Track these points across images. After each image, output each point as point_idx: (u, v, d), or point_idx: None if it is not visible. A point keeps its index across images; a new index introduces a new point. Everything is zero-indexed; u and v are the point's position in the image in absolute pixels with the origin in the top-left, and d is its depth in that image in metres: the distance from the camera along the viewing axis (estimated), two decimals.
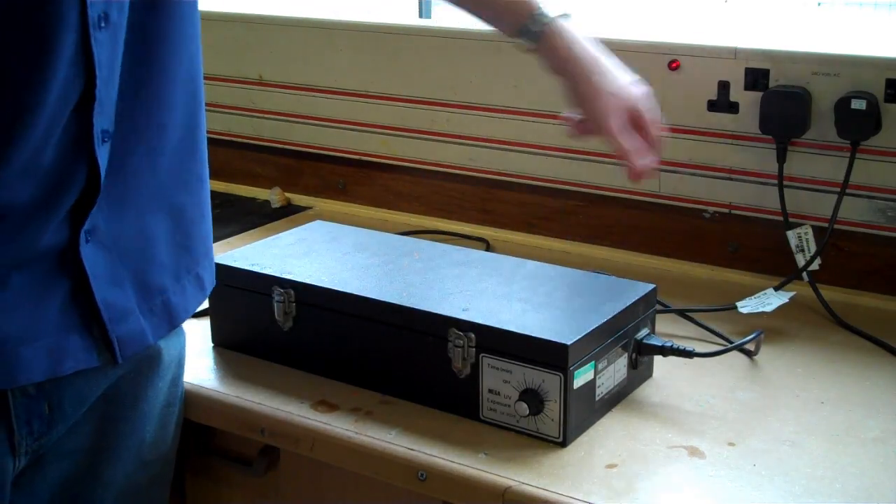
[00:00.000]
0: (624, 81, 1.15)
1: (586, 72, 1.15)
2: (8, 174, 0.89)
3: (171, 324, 1.08)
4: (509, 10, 1.18)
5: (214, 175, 1.96)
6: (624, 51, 1.47)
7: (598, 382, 1.07)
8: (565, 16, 1.18)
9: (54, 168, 0.92)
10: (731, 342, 1.24)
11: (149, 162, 1.02)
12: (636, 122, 1.14)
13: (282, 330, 1.19)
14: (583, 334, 1.03)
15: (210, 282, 1.13)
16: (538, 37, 1.16)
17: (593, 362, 1.05)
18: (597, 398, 1.07)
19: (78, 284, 0.97)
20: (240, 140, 1.88)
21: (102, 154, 0.95)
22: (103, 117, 0.94)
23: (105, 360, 1.00)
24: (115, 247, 0.99)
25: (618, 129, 1.13)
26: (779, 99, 1.36)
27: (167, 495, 1.18)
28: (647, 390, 1.15)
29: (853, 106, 1.31)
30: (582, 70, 1.15)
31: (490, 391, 1.06)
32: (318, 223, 1.38)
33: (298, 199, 1.83)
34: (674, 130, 1.47)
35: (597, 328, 1.05)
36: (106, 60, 0.92)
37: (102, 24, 0.91)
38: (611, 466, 1.00)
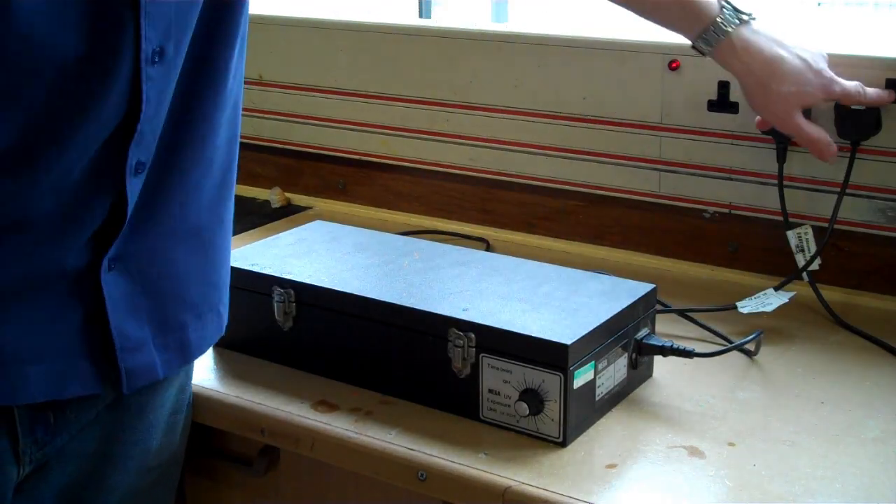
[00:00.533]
0: (801, 75, 1.18)
1: (763, 81, 1.18)
2: (34, 192, 0.88)
3: (185, 360, 1.07)
4: (687, 15, 1.17)
5: None
6: (624, 51, 1.49)
7: (598, 382, 1.07)
8: (747, 21, 1.18)
9: (81, 192, 0.90)
10: (731, 342, 1.24)
11: (189, 197, 1.00)
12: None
13: (282, 330, 1.19)
14: (583, 334, 1.03)
15: (226, 315, 1.12)
16: (713, 46, 1.18)
17: (593, 362, 1.05)
18: (597, 398, 1.07)
19: (94, 310, 0.95)
20: (240, 140, 1.88)
21: (134, 185, 0.93)
22: (141, 148, 0.92)
23: (109, 390, 0.99)
24: (140, 277, 0.98)
25: (798, 127, 1.19)
26: None
27: (172, 497, 1.17)
28: (647, 390, 1.15)
29: (853, 106, 1.31)
30: (758, 80, 1.18)
31: (490, 391, 1.06)
32: (318, 223, 1.38)
33: (298, 199, 1.83)
34: (674, 130, 1.47)
35: (597, 328, 1.05)
36: (154, 96, 0.90)
37: (156, 60, 0.88)
38: (611, 466, 1.00)
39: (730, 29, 1.18)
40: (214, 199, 1.04)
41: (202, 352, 1.09)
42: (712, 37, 1.18)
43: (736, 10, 1.20)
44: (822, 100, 1.22)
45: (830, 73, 1.22)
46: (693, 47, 1.22)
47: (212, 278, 1.07)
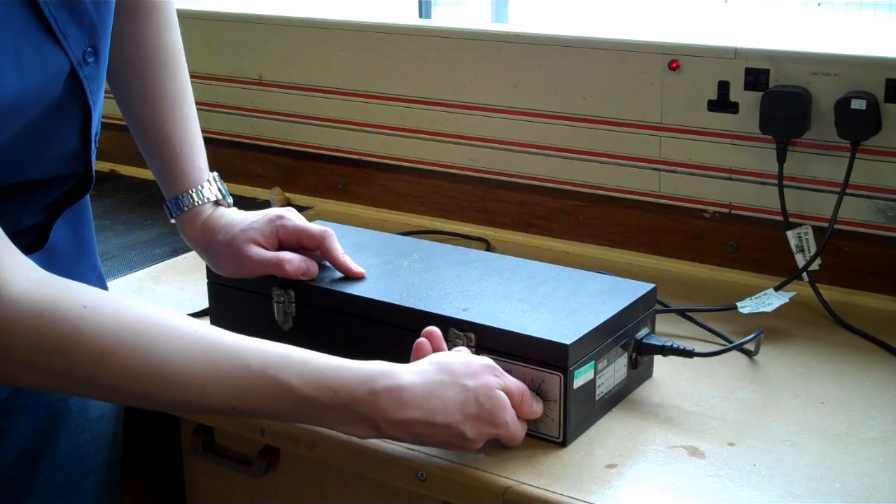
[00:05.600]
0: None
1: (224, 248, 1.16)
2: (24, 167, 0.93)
3: None
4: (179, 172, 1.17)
5: None
6: (624, 51, 1.49)
7: (598, 382, 1.07)
8: (226, 205, 1.19)
9: (56, 168, 0.95)
10: (731, 342, 1.24)
11: None
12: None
13: (282, 330, 1.19)
14: (583, 334, 1.03)
15: None
16: (183, 211, 1.17)
17: (593, 362, 1.05)
18: (597, 398, 1.07)
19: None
20: (240, 140, 1.88)
21: (96, 153, 0.98)
22: (97, 122, 0.97)
23: None
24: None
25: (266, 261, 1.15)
26: (779, 99, 1.36)
27: (118, 467, 1.19)
28: (647, 390, 1.15)
29: (853, 106, 1.31)
30: (218, 249, 1.17)
31: None
32: (318, 223, 1.38)
33: (298, 199, 1.83)
34: (674, 130, 1.47)
35: (597, 328, 1.05)
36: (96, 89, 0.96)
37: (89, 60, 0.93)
38: (611, 466, 1.00)
39: (204, 201, 1.17)
40: None
41: None
42: (189, 201, 1.17)
43: (221, 189, 1.19)
44: (272, 231, 1.16)
45: (292, 222, 1.18)
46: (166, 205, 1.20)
47: None
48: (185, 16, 1.88)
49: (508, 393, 0.97)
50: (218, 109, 1.89)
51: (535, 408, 1.01)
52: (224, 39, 1.85)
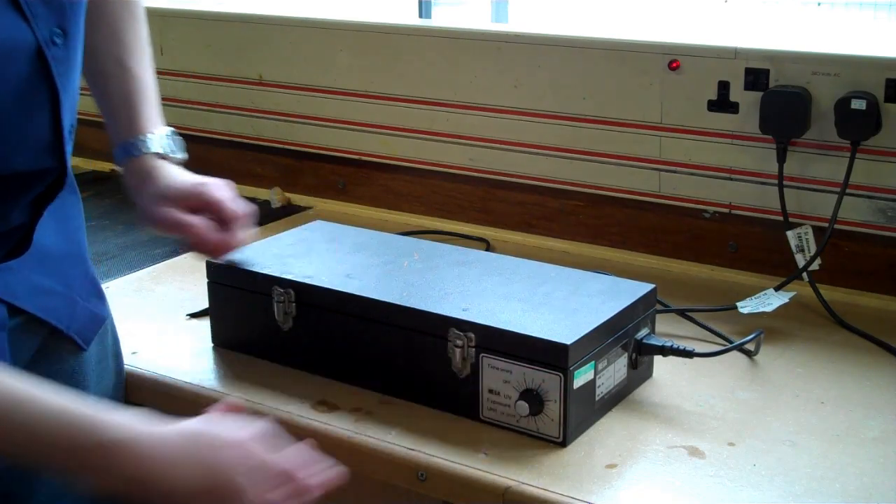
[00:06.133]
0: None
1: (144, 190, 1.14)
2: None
3: None
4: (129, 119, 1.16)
5: (214, 175, 1.96)
6: (624, 51, 1.49)
7: (598, 382, 1.07)
8: (176, 159, 1.17)
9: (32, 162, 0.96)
10: (731, 342, 1.24)
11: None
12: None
13: (282, 330, 1.19)
14: (583, 334, 1.03)
15: None
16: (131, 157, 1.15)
17: (593, 362, 1.05)
18: (597, 398, 1.07)
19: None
20: (240, 140, 1.88)
21: (69, 147, 0.98)
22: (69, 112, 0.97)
23: None
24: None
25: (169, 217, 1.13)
26: (779, 99, 1.36)
27: None
28: (647, 390, 1.15)
29: (853, 106, 1.31)
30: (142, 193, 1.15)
31: (490, 391, 1.06)
32: (318, 223, 1.38)
33: (298, 199, 1.83)
34: (674, 130, 1.47)
35: (597, 328, 1.05)
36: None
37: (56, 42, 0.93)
38: (611, 466, 1.00)
39: (147, 151, 1.14)
40: None
41: None
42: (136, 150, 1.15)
43: (171, 145, 1.17)
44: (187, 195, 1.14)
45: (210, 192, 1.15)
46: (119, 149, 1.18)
47: None
48: (185, 16, 1.90)
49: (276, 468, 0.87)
50: (218, 109, 1.89)
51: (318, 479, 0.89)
52: (224, 39, 1.85)
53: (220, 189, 1.15)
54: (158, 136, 1.15)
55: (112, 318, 1.16)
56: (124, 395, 1.19)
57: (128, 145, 1.14)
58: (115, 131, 1.16)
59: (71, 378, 1.07)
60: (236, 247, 1.16)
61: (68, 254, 1.06)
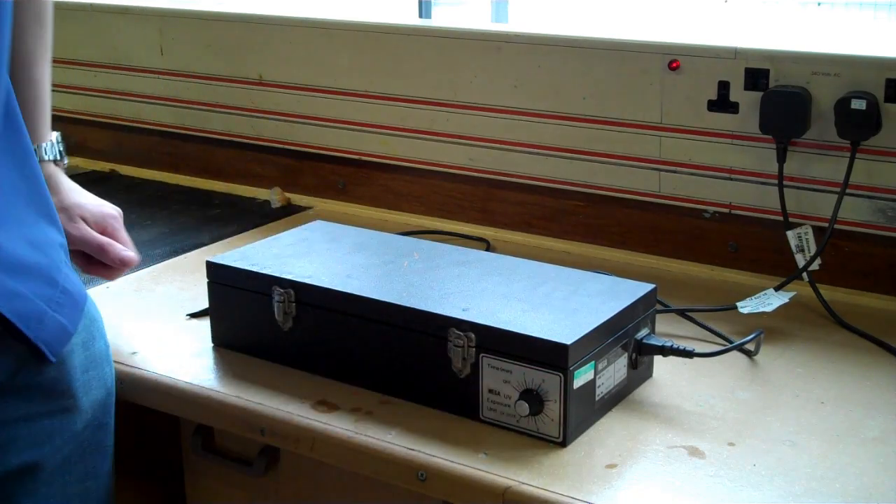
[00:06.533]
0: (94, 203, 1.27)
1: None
2: None
3: None
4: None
5: (214, 175, 1.97)
6: (624, 51, 1.49)
7: (598, 382, 1.07)
8: (61, 164, 1.25)
9: None
10: (731, 342, 1.24)
11: None
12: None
13: (282, 330, 1.19)
14: (583, 334, 1.03)
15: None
16: None
17: (593, 362, 1.05)
18: (597, 398, 1.07)
19: None
20: (240, 140, 1.88)
21: None
22: None
23: None
24: None
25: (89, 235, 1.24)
26: (779, 99, 1.36)
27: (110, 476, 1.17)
28: (647, 390, 1.15)
29: (853, 106, 1.31)
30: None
31: (490, 391, 1.06)
32: (318, 223, 1.38)
33: (298, 199, 1.83)
34: (674, 130, 1.47)
35: (597, 328, 1.05)
36: None
37: None
38: (611, 466, 1.00)
39: (46, 158, 1.23)
40: None
41: None
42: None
43: (61, 152, 1.25)
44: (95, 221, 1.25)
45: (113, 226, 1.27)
46: None
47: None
48: (185, 16, 1.90)
49: None
50: (218, 109, 1.89)
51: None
52: (224, 39, 1.85)
53: (119, 223, 1.27)
54: (51, 144, 1.23)
55: (100, 323, 1.13)
56: (116, 403, 1.17)
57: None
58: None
59: (52, 391, 1.05)
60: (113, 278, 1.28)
61: (36, 263, 1.04)
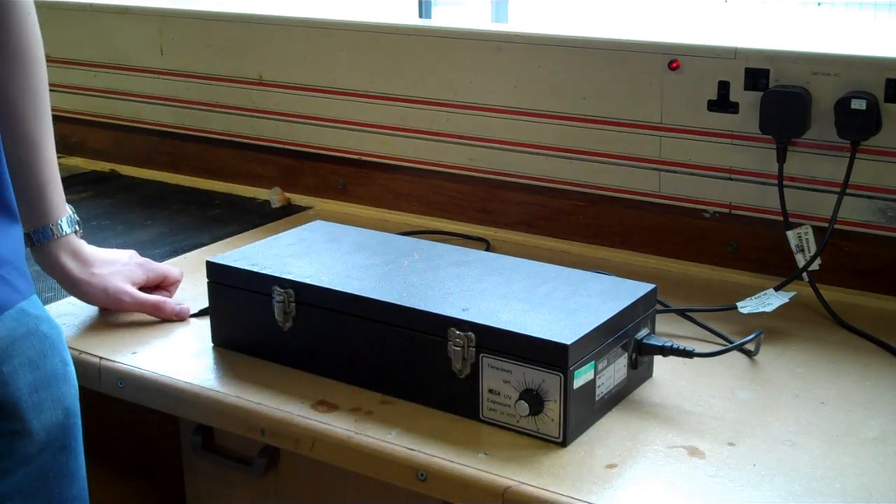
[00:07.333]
0: (119, 260, 1.35)
1: (84, 273, 1.30)
2: None
3: None
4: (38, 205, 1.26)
5: (214, 175, 1.96)
6: (624, 51, 1.49)
7: (598, 382, 1.07)
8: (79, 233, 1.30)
9: None
10: (731, 342, 1.24)
11: None
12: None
13: (282, 330, 1.19)
14: (583, 334, 1.03)
15: None
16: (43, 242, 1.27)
17: (593, 362, 1.05)
18: (597, 398, 1.07)
19: None
20: (240, 140, 1.88)
21: None
22: None
23: None
24: None
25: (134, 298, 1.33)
26: (779, 99, 1.36)
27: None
28: (647, 390, 1.15)
29: (853, 106, 1.31)
30: (79, 274, 1.30)
31: (490, 391, 1.06)
32: (318, 223, 1.38)
33: (298, 199, 1.83)
34: (674, 130, 1.47)
35: (597, 328, 1.05)
36: None
37: None
38: (611, 466, 1.00)
39: (66, 232, 1.28)
40: None
41: None
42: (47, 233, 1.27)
43: (77, 222, 1.30)
44: (144, 275, 1.35)
45: (153, 265, 1.38)
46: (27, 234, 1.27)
47: None
48: (185, 16, 1.90)
49: None
50: (218, 109, 1.89)
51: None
52: (224, 39, 1.85)
53: (150, 262, 1.37)
54: (68, 219, 1.28)
55: (54, 341, 1.02)
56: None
57: (46, 230, 1.26)
58: (31, 217, 1.25)
59: None
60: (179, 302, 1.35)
61: None
